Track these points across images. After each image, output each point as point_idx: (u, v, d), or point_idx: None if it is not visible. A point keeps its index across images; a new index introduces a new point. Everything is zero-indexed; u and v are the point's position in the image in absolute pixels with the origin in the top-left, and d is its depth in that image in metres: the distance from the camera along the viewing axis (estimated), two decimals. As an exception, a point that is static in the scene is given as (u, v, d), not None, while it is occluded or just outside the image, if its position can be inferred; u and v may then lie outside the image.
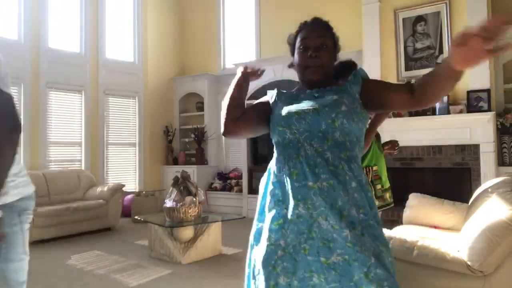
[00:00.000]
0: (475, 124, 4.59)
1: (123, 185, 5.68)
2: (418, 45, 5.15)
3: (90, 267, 3.69)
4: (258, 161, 6.42)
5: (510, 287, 2.06)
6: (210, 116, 7.28)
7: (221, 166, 7.37)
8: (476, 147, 4.62)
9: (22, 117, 5.56)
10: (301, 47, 1.40)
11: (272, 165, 1.44)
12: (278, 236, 1.33)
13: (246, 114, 1.46)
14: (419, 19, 5.15)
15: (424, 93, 1.25)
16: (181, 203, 3.85)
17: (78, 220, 5.01)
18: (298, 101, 1.40)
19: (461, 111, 4.68)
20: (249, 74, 1.51)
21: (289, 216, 1.32)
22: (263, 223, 1.42)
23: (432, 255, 2.21)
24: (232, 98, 1.45)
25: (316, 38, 1.38)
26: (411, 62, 5.19)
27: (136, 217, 4.79)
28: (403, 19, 5.24)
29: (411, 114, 4.94)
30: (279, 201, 1.37)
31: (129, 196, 6.30)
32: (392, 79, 5.23)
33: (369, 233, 1.28)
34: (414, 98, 1.27)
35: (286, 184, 1.35)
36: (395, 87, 1.39)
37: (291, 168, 1.34)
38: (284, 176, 1.36)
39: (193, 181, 4.13)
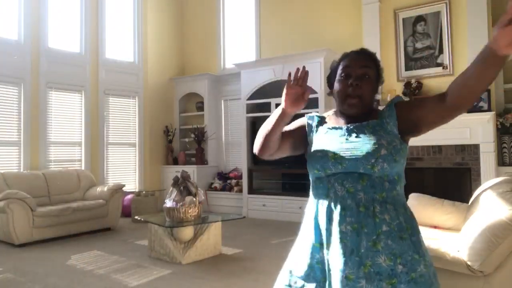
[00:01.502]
0: (475, 124, 4.59)
1: (123, 185, 5.68)
2: (418, 45, 5.16)
3: (90, 267, 3.69)
4: (258, 161, 6.42)
5: (510, 287, 2.06)
6: (210, 116, 7.28)
7: (221, 166, 7.37)
8: (476, 147, 4.63)
9: (22, 117, 5.59)
10: (342, 75, 1.34)
11: (310, 199, 1.39)
12: (295, 279, 1.30)
13: (281, 144, 1.41)
14: (419, 19, 5.15)
15: (459, 92, 1.15)
16: (181, 203, 3.84)
17: (78, 220, 5.01)
18: (335, 139, 1.32)
19: (461, 111, 4.67)
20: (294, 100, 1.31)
21: (309, 260, 1.27)
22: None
23: (432, 255, 2.21)
24: (269, 134, 1.36)
25: (359, 68, 1.32)
26: (411, 62, 5.19)
27: (136, 217, 4.79)
28: (403, 19, 5.25)
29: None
30: (303, 241, 1.34)
31: (129, 196, 6.29)
32: (392, 79, 5.23)
33: None
34: (448, 103, 1.18)
35: (312, 225, 1.30)
36: (425, 100, 1.28)
37: (318, 209, 1.29)
38: (312, 216, 1.31)
39: (193, 181, 4.13)
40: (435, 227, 3.03)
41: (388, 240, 1.16)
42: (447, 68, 4.92)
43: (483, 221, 2.17)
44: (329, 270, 1.21)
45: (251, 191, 6.40)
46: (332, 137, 1.34)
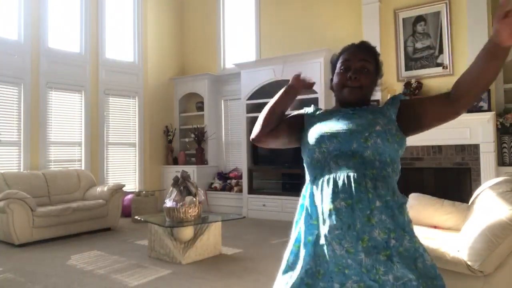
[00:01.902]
0: (475, 124, 4.59)
1: (123, 185, 5.68)
2: (418, 45, 5.16)
3: (90, 267, 3.69)
4: (258, 161, 6.42)
5: (510, 287, 2.06)
6: (210, 116, 7.28)
7: (221, 166, 7.37)
8: (476, 147, 4.63)
9: (22, 117, 5.59)
10: (342, 68, 1.39)
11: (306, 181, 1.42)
12: (294, 259, 1.32)
13: (278, 126, 1.43)
14: (419, 19, 5.15)
15: (464, 87, 1.19)
16: (181, 203, 3.84)
17: (78, 220, 5.01)
18: (332, 119, 1.36)
19: (461, 111, 4.67)
20: (302, 82, 1.44)
21: (309, 238, 1.29)
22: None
23: (432, 255, 2.21)
24: (275, 106, 1.40)
25: (358, 61, 1.36)
26: (411, 62, 5.19)
27: (136, 217, 4.79)
28: (403, 19, 5.25)
29: (411, 114, 4.94)
30: (297, 223, 1.36)
31: (129, 196, 6.30)
32: (392, 79, 5.24)
33: (403, 262, 1.17)
34: (453, 99, 1.22)
35: (309, 203, 1.33)
36: (431, 97, 1.33)
37: (312, 189, 1.33)
38: (307, 196, 1.34)
39: (193, 181, 4.13)
40: (435, 227, 3.03)
41: (382, 215, 1.20)
42: (447, 68, 4.93)
43: (483, 221, 2.17)
44: (328, 244, 1.24)
45: (251, 191, 6.40)
46: (329, 118, 1.38)
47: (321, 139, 1.31)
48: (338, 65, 1.41)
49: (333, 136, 1.30)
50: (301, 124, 1.46)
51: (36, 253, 4.21)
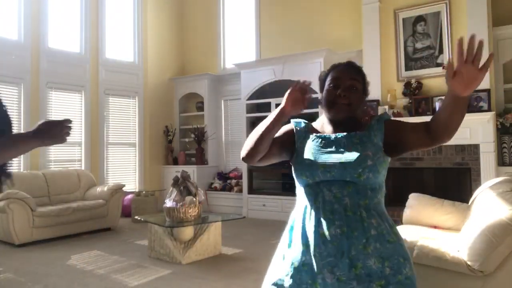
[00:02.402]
0: (475, 124, 4.59)
1: (123, 185, 5.68)
2: (418, 45, 5.15)
3: (90, 267, 3.69)
4: (258, 161, 6.41)
5: (510, 287, 2.06)
6: (210, 116, 7.28)
7: (221, 166, 7.37)
8: (476, 147, 4.62)
9: (22, 117, 5.59)
10: (331, 85, 1.40)
11: (296, 204, 1.42)
12: (281, 282, 1.31)
13: (269, 150, 1.41)
14: (419, 19, 5.15)
15: (438, 124, 1.25)
16: (181, 203, 3.84)
17: (78, 220, 5.01)
18: (325, 148, 1.36)
19: (461, 111, 4.67)
20: (295, 101, 1.36)
21: (296, 263, 1.29)
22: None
23: (432, 255, 2.21)
24: (264, 134, 1.36)
25: (347, 79, 1.38)
26: (411, 62, 5.19)
27: (136, 217, 4.79)
28: (403, 19, 5.24)
29: (411, 114, 4.94)
30: (289, 245, 1.36)
31: (129, 196, 6.30)
32: (392, 79, 5.23)
33: None
34: (431, 134, 1.27)
35: (301, 227, 1.33)
36: (413, 125, 1.35)
37: (305, 214, 1.33)
38: (300, 220, 1.34)
39: (193, 181, 4.13)
40: (435, 227, 3.03)
41: (376, 244, 1.22)
42: (447, 68, 4.92)
43: (483, 221, 2.17)
44: (318, 272, 1.23)
45: (251, 191, 6.40)
46: (320, 145, 1.38)
47: (314, 172, 1.32)
48: (327, 82, 1.42)
49: (326, 170, 1.31)
50: (292, 141, 1.45)
51: (36, 253, 4.21)
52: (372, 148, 1.33)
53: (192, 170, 6.80)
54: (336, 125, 1.41)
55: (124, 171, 6.91)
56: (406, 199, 3.41)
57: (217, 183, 6.99)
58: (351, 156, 1.31)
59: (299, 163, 1.38)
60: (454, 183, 4.88)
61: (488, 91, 4.57)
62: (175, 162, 7.37)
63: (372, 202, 1.30)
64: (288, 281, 1.28)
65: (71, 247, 4.45)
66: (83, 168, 6.19)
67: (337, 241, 1.23)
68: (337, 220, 1.25)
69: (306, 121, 1.50)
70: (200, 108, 7.39)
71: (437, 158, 4.88)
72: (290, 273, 1.29)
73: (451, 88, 1.14)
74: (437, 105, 4.76)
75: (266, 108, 6.26)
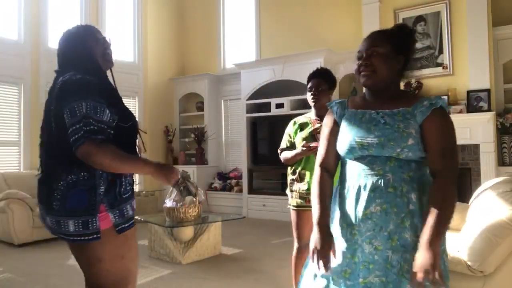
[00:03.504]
0: (475, 124, 4.59)
1: (123, 185, 5.67)
2: (418, 45, 5.15)
3: (90, 267, 3.68)
4: (258, 161, 6.42)
5: (510, 287, 2.06)
6: (210, 116, 7.27)
7: (221, 166, 7.37)
8: (476, 147, 4.62)
9: (22, 117, 5.59)
10: (357, 57, 1.44)
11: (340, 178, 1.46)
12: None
13: (332, 154, 1.47)
14: (419, 19, 5.14)
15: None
16: (181, 203, 3.84)
17: (78, 220, 5.00)
18: (363, 125, 1.37)
19: (461, 111, 4.67)
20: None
21: (336, 238, 1.36)
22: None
23: (432, 255, 2.20)
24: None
25: (367, 49, 1.40)
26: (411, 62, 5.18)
27: (136, 217, 4.78)
28: (403, 19, 5.24)
29: (411, 114, 4.94)
30: (332, 221, 1.42)
31: (129, 196, 6.29)
32: (392, 79, 5.23)
33: None
34: (439, 169, 1.28)
35: (340, 205, 1.39)
36: (438, 149, 1.29)
37: (347, 191, 1.37)
38: (341, 197, 1.40)
39: (193, 181, 4.13)
40: (435, 227, 3.03)
41: (414, 219, 1.27)
42: (447, 68, 4.92)
43: (483, 221, 2.17)
44: (358, 246, 1.31)
45: (251, 191, 6.40)
46: (359, 121, 1.39)
47: (352, 149, 1.36)
48: (357, 56, 1.46)
49: (364, 147, 1.33)
50: (337, 128, 1.48)
51: (36, 253, 4.21)
52: (415, 126, 1.31)
53: (192, 170, 6.79)
54: (374, 94, 1.43)
55: (124, 171, 6.90)
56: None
57: (217, 183, 6.99)
58: (391, 135, 1.30)
59: (339, 141, 1.43)
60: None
61: (488, 91, 4.57)
62: (175, 162, 7.37)
63: (416, 175, 1.30)
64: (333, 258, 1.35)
65: (71, 247, 4.45)
66: (83, 168, 6.18)
67: (376, 217, 1.28)
68: (378, 198, 1.29)
69: (340, 100, 1.53)
70: (200, 108, 7.39)
71: (437, 158, 4.88)
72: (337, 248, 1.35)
73: None
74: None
75: (266, 108, 6.25)
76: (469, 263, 2.05)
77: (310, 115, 2.55)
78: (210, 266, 3.70)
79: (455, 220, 2.98)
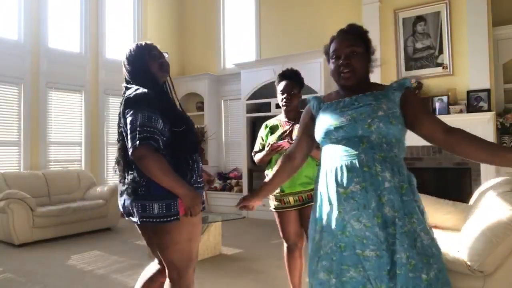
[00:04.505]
0: (475, 124, 4.59)
1: (123, 185, 5.67)
2: (418, 45, 5.15)
3: (90, 267, 3.69)
4: (258, 161, 6.41)
5: (510, 287, 2.06)
6: (210, 116, 7.27)
7: (221, 166, 7.37)
8: (476, 147, 4.62)
9: (22, 117, 5.59)
10: (333, 57, 1.52)
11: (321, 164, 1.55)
12: (319, 236, 1.47)
13: (305, 144, 1.65)
14: (419, 19, 5.15)
15: (458, 150, 1.41)
16: (181, 203, 3.84)
17: (78, 220, 5.01)
18: (338, 110, 1.48)
19: (461, 111, 4.68)
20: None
21: (324, 220, 1.45)
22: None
23: (432, 255, 2.20)
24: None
25: (345, 48, 1.48)
26: (411, 62, 5.19)
27: (136, 217, 4.78)
28: (403, 19, 5.24)
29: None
30: (317, 205, 1.51)
31: (129, 196, 6.29)
32: (392, 79, 5.21)
33: (406, 241, 1.31)
34: (447, 143, 1.40)
35: (323, 188, 1.47)
36: (432, 119, 1.43)
37: (327, 174, 1.45)
38: (322, 181, 1.48)
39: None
40: (435, 227, 3.03)
41: (390, 195, 1.35)
42: (447, 68, 4.92)
43: (483, 221, 2.17)
44: (346, 223, 1.38)
45: (251, 191, 6.39)
46: (333, 108, 1.51)
47: (328, 132, 1.46)
48: (331, 54, 1.55)
49: (338, 127, 1.43)
50: (312, 123, 1.61)
51: (36, 253, 4.21)
52: (388, 103, 1.42)
53: (192, 170, 6.78)
54: (349, 92, 1.51)
55: (124, 171, 6.90)
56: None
57: (217, 183, 6.99)
58: (362, 109, 1.41)
59: (317, 128, 1.54)
60: (454, 183, 4.87)
61: (488, 91, 4.57)
62: (175, 162, 7.36)
63: (388, 155, 1.38)
64: (320, 236, 1.46)
65: (71, 247, 4.45)
66: (83, 168, 6.19)
67: (357, 196, 1.36)
68: (356, 177, 1.36)
69: (317, 96, 1.67)
70: (200, 108, 7.39)
71: (437, 158, 4.88)
72: (321, 228, 1.46)
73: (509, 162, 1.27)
74: (437, 105, 4.76)
75: (266, 108, 6.25)
76: (469, 263, 2.05)
77: (280, 118, 2.61)
78: (210, 266, 3.70)
79: (455, 220, 2.99)
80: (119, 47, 6.94)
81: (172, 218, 1.69)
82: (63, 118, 6.12)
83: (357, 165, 1.37)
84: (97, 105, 6.49)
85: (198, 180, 1.81)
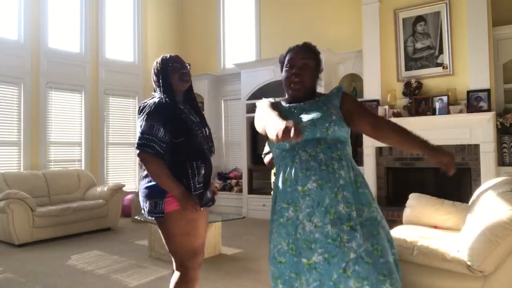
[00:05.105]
0: (475, 124, 4.59)
1: (123, 185, 5.68)
2: (418, 45, 5.15)
3: (90, 267, 3.69)
4: (258, 161, 6.41)
5: (510, 287, 2.06)
6: (210, 116, 7.26)
7: (221, 166, 7.37)
8: (476, 147, 4.62)
9: (22, 117, 5.59)
10: (287, 65, 1.64)
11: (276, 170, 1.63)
12: (278, 239, 1.53)
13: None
14: (419, 19, 5.14)
15: (389, 143, 1.65)
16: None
17: (78, 220, 5.01)
18: (294, 114, 1.60)
19: (461, 111, 4.67)
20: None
21: (281, 220, 1.51)
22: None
23: (432, 255, 2.21)
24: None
25: (300, 59, 1.61)
26: (411, 62, 5.19)
27: (136, 217, 4.78)
28: (403, 19, 5.24)
29: (411, 114, 4.94)
30: (275, 206, 1.59)
31: (129, 196, 6.29)
32: (392, 79, 5.23)
33: (363, 231, 1.40)
34: (374, 134, 1.59)
35: (282, 189, 1.54)
36: (364, 114, 1.59)
37: (285, 175, 1.53)
38: (280, 182, 1.55)
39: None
40: (435, 227, 3.03)
41: (344, 192, 1.44)
42: (447, 68, 4.92)
43: (483, 221, 2.17)
44: (299, 223, 1.45)
45: (251, 191, 6.40)
46: (290, 113, 1.62)
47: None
48: (285, 63, 1.66)
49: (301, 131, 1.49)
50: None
51: (36, 253, 4.21)
52: (333, 109, 1.58)
53: (192, 170, 6.78)
54: (297, 101, 1.66)
55: (124, 171, 6.91)
56: (406, 199, 3.41)
57: (217, 183, 6.99)
58: (318, 115, 1.54)
59: None
60: (454, 183, 4.87)
61: (488, 91, 4.57)
62: (175, 162, 7.36)
63: (343, 153, 1.53)
64: (275, 236, 1.54)
65: (71, 247, 4.45)
66: (83, 168, 6.19)
67: (313, 194, 1.44)
68: (313, 176, 1.45)
69: (274, 100, 1.77)
70: (200, 108, 7.37)
71: (437, 158, 4.87)
72: (276, 228, 1.54)
73: (435, 161, 1.56)
74: (437, 105, 4.76)
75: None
76: (469, 263, 2.05)
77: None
78: (210, 266, 3.70)
79: (455, 220, 2.99)
80: (119, 47, 6.94)
81: (158, 215, 1.96)
82: (63, 118, 6.12)
83: (316, 164, 1.46)
84: (97, 105, 6.49)
85: (197, 186, 1.96)
